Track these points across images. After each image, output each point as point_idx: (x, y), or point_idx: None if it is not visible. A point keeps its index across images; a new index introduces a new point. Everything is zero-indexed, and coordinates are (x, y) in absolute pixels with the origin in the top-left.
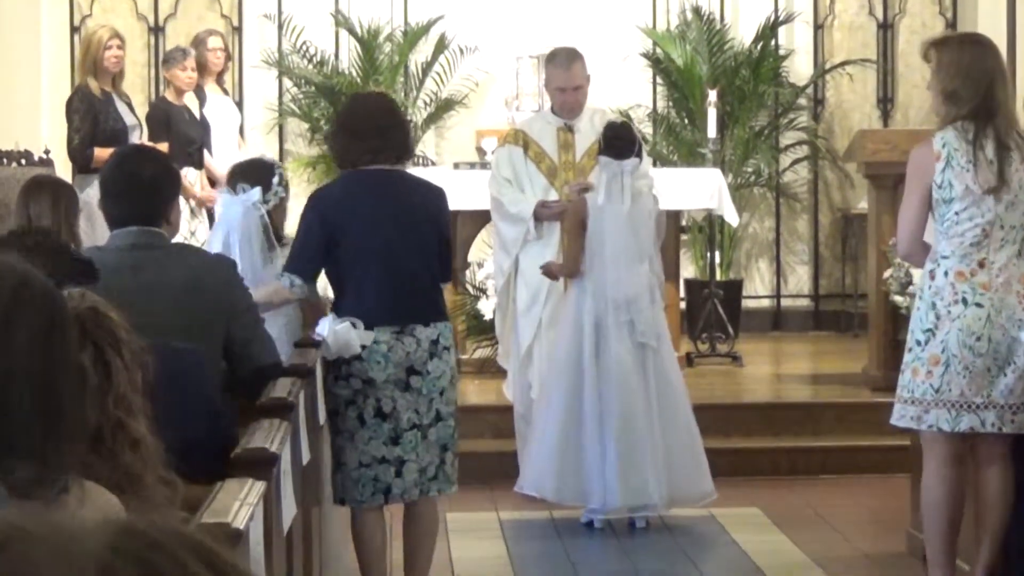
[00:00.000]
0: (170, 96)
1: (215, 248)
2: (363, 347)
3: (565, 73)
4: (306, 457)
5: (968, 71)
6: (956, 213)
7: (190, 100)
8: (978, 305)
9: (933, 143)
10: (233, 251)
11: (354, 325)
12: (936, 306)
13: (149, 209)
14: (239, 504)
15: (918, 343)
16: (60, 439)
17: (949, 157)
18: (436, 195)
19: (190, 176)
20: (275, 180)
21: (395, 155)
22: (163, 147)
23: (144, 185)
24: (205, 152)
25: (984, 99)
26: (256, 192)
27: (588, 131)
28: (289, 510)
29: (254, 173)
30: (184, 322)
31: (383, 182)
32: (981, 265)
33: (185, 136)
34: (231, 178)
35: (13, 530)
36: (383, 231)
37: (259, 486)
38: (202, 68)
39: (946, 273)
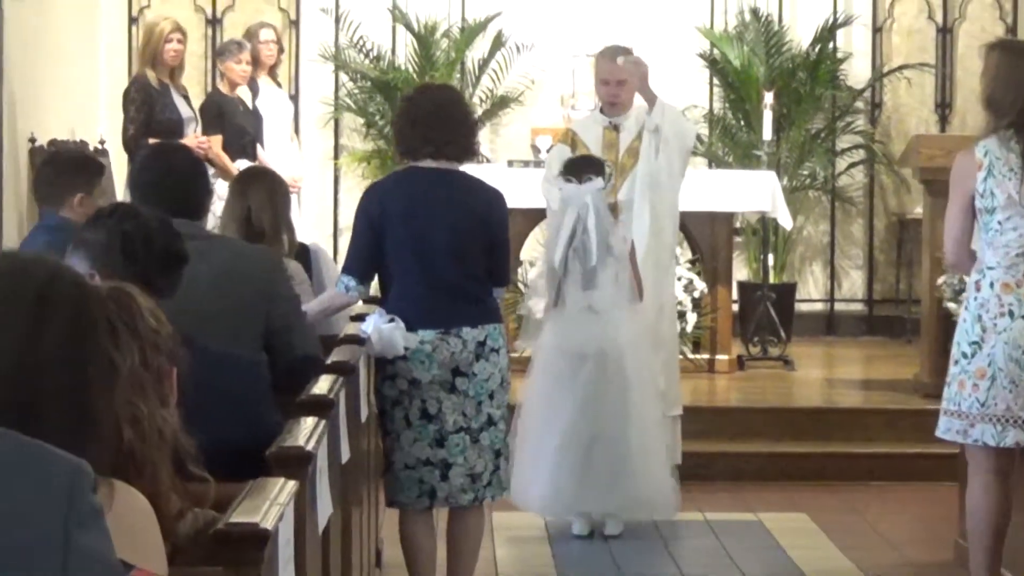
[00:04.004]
0: (224, 88)
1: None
2: (407, 348)
3: (609, 64)
4: (345, 456)
5: (1007, 79)
6: (999, 223)
7: (243, 92)
8: None
9: (975, 151)
10: (589, 228)
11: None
12: (982, 318)
13: (186, 202)
14: (269, 504)
15: (964, 356)
16: (89, 438)
17: (991, 165)
18: (492, 197)
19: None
20: (610, 172)
21: (452, 153)
22: (217, 139)
23: (180, 178)
24: (257, 144)
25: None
26: (600, 181)
27: (632, 129)
28: (325, 510)
29: (590, 166)
30: (225, 310)
31: (436, 181)
32: None
33: (239, 128)
34: (564, 171)
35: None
36: (429, 231)
37: (291, 485)
38: (255, 60)
39: (992, 284)
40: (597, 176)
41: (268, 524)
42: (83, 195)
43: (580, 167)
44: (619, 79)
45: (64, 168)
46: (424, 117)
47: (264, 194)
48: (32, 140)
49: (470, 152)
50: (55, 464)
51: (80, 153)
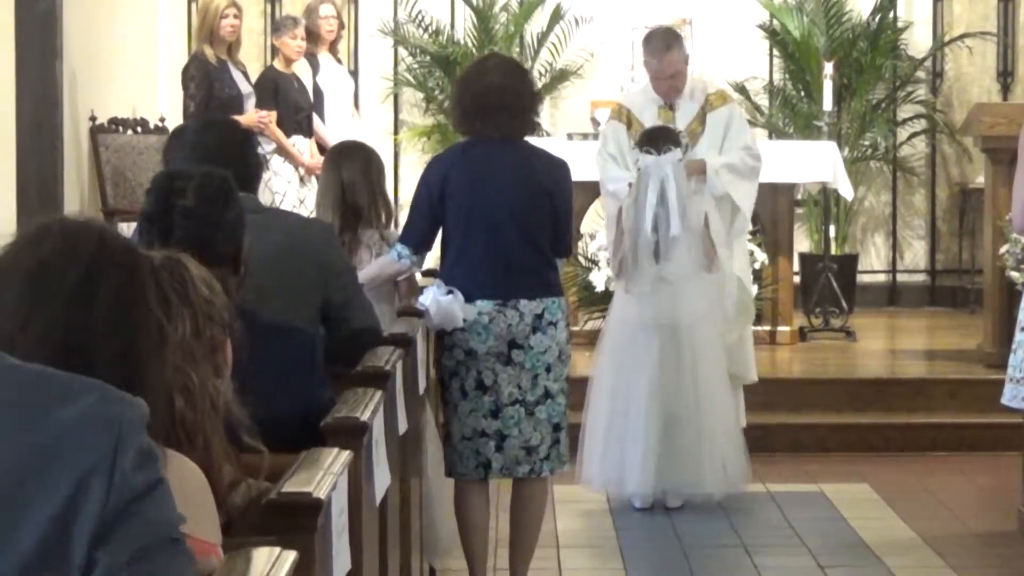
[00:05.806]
0: (279, 64)
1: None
2: (464, 320)
3: (658, 63)
4: (403, 427)
5: None
6: None
7: (301, 68)
8: None
9: None
10: (670, 198)
11: (464, 299)
12: None
13: (237, 174)
14: (322, 474)
15: None
16: None
17: None
18: (555, 168)
19: (299, 144)
20: (685, 143)
21: (514, 128)
22: (272, 115)
23: (230, 150)
24: (316, 120)
25: None
26: (678, 152)
27: (689, 107)
28: (382, 480)
29: (668, 137)
30: (282, 285)
31: (500, 152)
32: None
33: (294, 104)
34: (642, 142)
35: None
36: (492, 202)
37: (345, 455)
38: (315, 36)
39: None
40: (676, 147)
41: (321, 494)
42: None
43: (658, 138)
44: (669, 74)
45: None
46: (482, 92)
47: (357, 170)
48: (92, 118)
49: (531, 125)
50: (109, 395)
51: None
